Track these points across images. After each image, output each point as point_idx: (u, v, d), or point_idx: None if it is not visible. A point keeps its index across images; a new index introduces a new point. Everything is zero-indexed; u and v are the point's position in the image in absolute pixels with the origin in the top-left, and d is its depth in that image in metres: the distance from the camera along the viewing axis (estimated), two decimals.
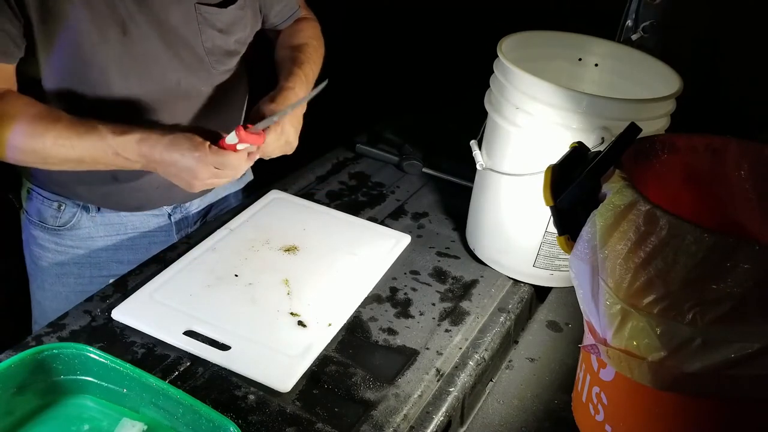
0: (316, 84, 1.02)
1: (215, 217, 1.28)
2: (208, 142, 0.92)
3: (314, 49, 1.20)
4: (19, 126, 0.91)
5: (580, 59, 1.11)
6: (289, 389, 0.82)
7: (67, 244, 1.19)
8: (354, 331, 0.94)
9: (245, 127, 0.92)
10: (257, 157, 0.99)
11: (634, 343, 0.61)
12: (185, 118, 1.10)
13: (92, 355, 0.77)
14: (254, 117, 0.99)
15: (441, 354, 0.91)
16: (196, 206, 1.28)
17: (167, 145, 0.92)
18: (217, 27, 1.07)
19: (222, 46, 1.09)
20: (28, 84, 0.98)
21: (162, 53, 1.02)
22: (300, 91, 1.07)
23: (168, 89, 1.06)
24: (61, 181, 1.11)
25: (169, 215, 1.25)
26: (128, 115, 1.03)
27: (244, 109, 1.27)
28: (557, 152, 0.76)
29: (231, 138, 0.92)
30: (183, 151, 0.91)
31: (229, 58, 1.13)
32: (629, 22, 1.32)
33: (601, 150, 0.72)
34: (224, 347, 0.87)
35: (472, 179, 1.13)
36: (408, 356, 0.90)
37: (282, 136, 1.00)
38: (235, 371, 0.84)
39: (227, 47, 1.11)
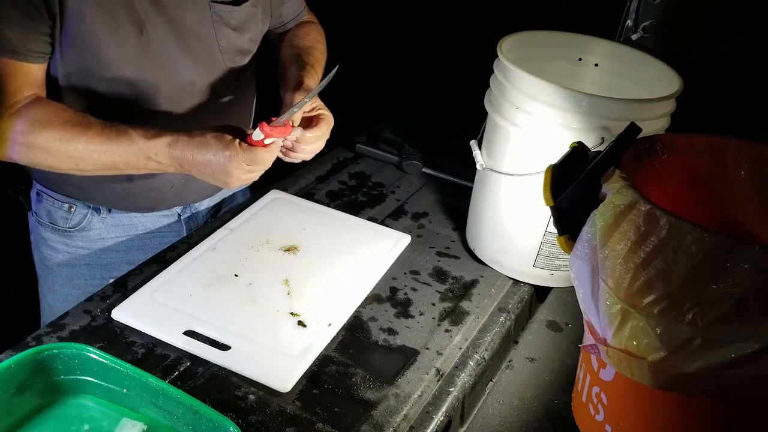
0: (326, 72, 1.04)
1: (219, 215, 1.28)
2: (238, 140, 0.92)
3: (321, 54, 1.22)
4: (51, 132, 0.93)
5: (580, 59, 1.11)
6: (289, 389, 0.82)
7: (78, 246, 1.19)
8: (354, 331, 0.94)
9: (268, 122, 0.93)
10: (297, 157, 1.04)
11: (634, 343, 0.61)
12: (198, 115, 1.10)
13: (92, 355, 0.77)
14: (282, 111, 1.01)
15: (441, 354, 0.91)
16: (205, 205, 1.29)
17: (197, 145, 0.93)
18: (231, 25, 1.08)
19: (236, 44, 1.11)
20: (46, 83, 0.99)
21: (177, 52, 1.03)
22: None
23: (182, 87, 1.07)
24: (74, 182, 1.12)
25: (179, 215, 1.25)
26: (142, 113, 1.04)
27: (254, 107, 1.28)
28: (557, 152, 0.76)
29: (257, 135, 0.93)
30: (214, 151, 0.92)
31: (242, 56, 1.14)
32: (629, 22, 1.32)
33: (601, 150, 0.72)
34: (224, 347, 0.87)
35: (472, 179, 1.13)
36: (408, 356, 0.90)
37: (321, 136, 1.03)
38: (235, 371, 0.84)
39: (241, 45, 1.12)
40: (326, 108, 1.06)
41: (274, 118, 0.94)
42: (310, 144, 1.02)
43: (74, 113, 0.95)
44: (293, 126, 0.98)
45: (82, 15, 0.94)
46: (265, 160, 0.95)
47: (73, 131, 0.93)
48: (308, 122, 1.02)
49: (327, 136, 1.04)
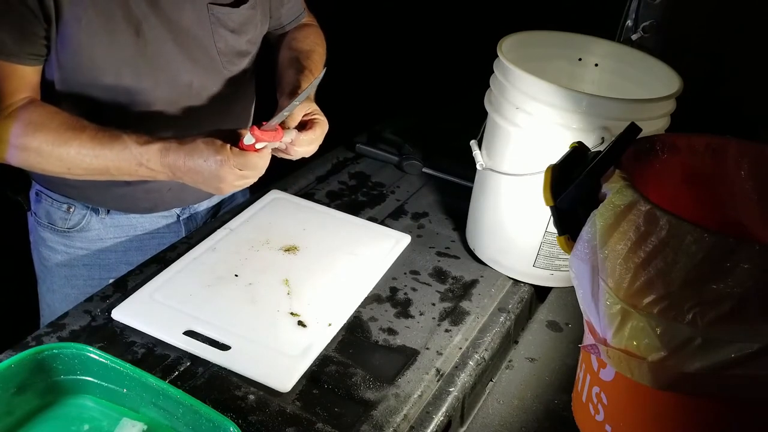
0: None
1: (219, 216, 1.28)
2: (229, 145, 0.91)
3: (320, 57, 1.21)
4: (45, 135, 0.93)
5: (580, 59, 1.11)
6: (289, 389, 0.82)
7: (76, 246, 1.19)
8: (354, 331, 0.94)
9: (259, 126, 0.92)
10: (287, 156, 1.02)
11: (634, 343, 0.61)
12: (196, 118, 1.10)
13: (92, 355, 0.77)
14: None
15: (441, 354, 0.91)
16: (204, 206, 1.29)
17: (188, 152, 0.92)
18: (229, 27, 1.07)
19: (234, 46, 1.10)
20: (42, 86, 0.99)
21: (175, 54, 1.03)
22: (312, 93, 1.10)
23: (180, 90, 1.06)
24: (73, 182, 1.11)
25: (178, 216, 1.25)
26: (139, 115, 1.03)
27: (253, 109, 1.28)
28: (557, 152, 0.76)
29: (248, 139, 0.92)
30: (205, 157, 0.91)
31: (240, 58, 1.13)
32: (629, 22, 1.32)
33: (601, 150, 0.72)
34: (224, 347, 0.87)
35: (472, 179, 1.13)
36: (408, 356, 0.90)
37: (315, 139, 1.02)
38: (235, 371, 0.84)
39: (239, 47, 1.11)
40: (322, 113, 1.05)
41: (264, 123, 0.93)
42: (304, 146, 1.01)
43: (68, 117, 0.95)
44: (288, 129, 0.98)
45: (78, 17, 0.93)
46: (257, 165, 0.94)
47: (66, 135, 0.93)
48: (303, 126, 1.01)
49: (320, 140, 1.04)
